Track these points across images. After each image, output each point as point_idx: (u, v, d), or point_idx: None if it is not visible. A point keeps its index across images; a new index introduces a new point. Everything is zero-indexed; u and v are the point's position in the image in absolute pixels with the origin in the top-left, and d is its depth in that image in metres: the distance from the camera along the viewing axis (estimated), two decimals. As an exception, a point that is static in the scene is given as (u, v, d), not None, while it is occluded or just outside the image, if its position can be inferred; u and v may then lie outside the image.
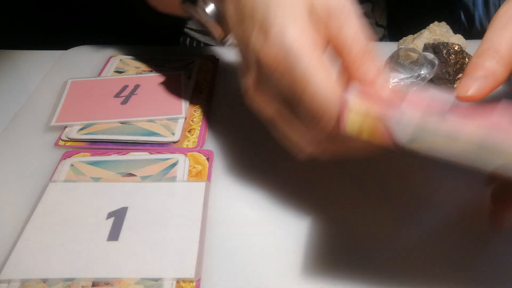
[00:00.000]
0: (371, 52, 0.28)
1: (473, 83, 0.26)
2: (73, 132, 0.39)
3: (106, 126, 0.39)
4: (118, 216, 0.31)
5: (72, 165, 0.36)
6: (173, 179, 0.34)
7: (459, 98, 0.26)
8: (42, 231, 0.30)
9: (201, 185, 0.34)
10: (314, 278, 0.29)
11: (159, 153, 0.37)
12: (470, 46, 0.51)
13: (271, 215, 0.33)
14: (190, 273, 0.28)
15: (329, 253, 0.30)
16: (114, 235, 0.30)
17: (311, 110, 0.26)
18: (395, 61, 0.46)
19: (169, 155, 0.37)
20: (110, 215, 0.31)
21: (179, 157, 0.36)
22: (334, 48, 0.28)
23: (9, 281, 0.27)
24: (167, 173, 0.35)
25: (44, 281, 0.27)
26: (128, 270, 0.28)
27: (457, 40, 0.50)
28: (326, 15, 0.27)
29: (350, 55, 0.27)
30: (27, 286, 0.27)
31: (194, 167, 0.36)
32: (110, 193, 0.33)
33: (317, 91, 0.25)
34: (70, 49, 0.53)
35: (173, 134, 0.39)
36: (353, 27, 0.27)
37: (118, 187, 0.34)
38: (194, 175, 0.35)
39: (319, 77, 0.25)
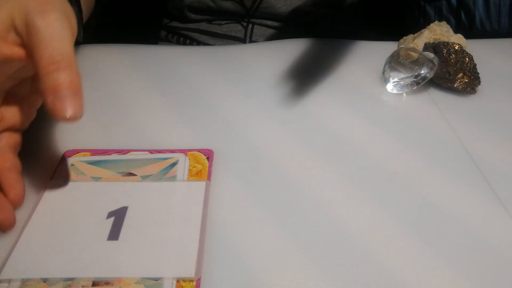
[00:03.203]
0: (66, 68, 0.27)
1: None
2: None
3: None
4: (118, 216, 0.31)
5: (72, 164, 0.36)
6: (173, 178, 0.34)
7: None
8: (42, 231, 0.30)
9: (201, 184, 0.34)
10: (314, 278, 0.29)
11: (159, 152, 0.37)
12: (470, 46, 0.51)
13: (271, 215, 0.33)
14: (190, 273, 0.28)
15: (328, 253, 0.30)
16: (114, 234, 0.30)
17: None
18: (396, 60, 0.46)
19: (169, 155, 0.37)
20: (110, 214, 0.31)
21: (179, 156, 0.36)
22: (33, 64, 0.28)
23: (9, 281, 0.27)
24: (167, 173, 0.35)
25: (44, 280, 0.27)
26: (128, 270, 0.28)
27: (457, 39, 0.50)
28: (25, 30, 0.28)
29: (38, 67, 0.27)
30: (27, 286, 0.27)
31: (194, 166, 0.35)
32: (110, 193, 0.33)
33: None
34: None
35: None
36: (51, 43, 0.27)
37: (118, 187, 0.33)
38: (194, 174, 0.35)
39: None
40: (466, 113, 0.43)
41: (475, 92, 0.46)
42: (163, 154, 0.37)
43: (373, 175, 0.36)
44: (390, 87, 0.46)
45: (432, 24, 0.52)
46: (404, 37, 0.52)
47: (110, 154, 0.37)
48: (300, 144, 0.39)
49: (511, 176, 0.36)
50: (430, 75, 0.44)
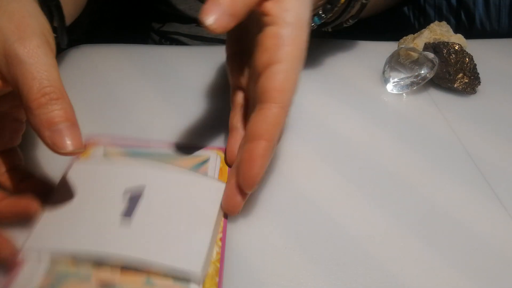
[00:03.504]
0: (59, 97, 0.26)
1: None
2: None
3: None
4: (135, 194, 0.31)
5: (105, 151, 0.35)
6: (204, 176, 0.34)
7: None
8: (65, 205, 0.30)
9: (221, 185, 0.33)
10: (314, 278, 0.29)
11: (191, 148, 0.37)
12: (470, 46, 0.51)
13: (271, 214, 0.33)
14: (196, 267, 0.27)
15: (328, 253, 0.30)
16: (128, 212, 0.30)
17: None
18: (396, 60, 0.46)
19: (201, 152, 0.36)
20: (127, 191, 0.31)
21: (210, 153, 0.36)
22: (19, 97, 0.26)
23: (39, 252, 0.27)
24: (198, 169, 0.34)
25: (73, 258, 0.27)
26: (138, 250, 0.28)
27: (457, 39, 0.50)
28: (4, 60, 0.26)
29: (28, 100, 0.25)
30: (56, 263, 0.27)
31: (225, 165, 0.35)
32: (132, 176, 0.33)
33: None
34: (70, 49, 0.53)
35: None
36: (36, 72, 0.25)
37: (140, 170, 0.33)
38: (225, 173, 0.34)
39: None
40: (466, 113, 0.43)
41: (475, 92, 0.46)
42: (195, 150, 0.36)
43: (373, 175, 0.36)
44: (390, 87, 0.46)
45: (432, 24, 0.52)
46: (404, 37, 0.52)
47: (143, 146, 0.36)
48: (300, 144, 0.39)
49: (511, 176, 0.37)
50: (430, 75, 0.44)
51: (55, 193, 0.31)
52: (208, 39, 0.63)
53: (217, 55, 0.51)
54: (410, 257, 0.30)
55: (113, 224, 0.29)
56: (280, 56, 0.28)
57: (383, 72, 0.47)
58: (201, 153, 0.36)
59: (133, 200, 0.31)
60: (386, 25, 0.73)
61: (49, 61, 0.26)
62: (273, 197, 0.34)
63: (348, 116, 0.43)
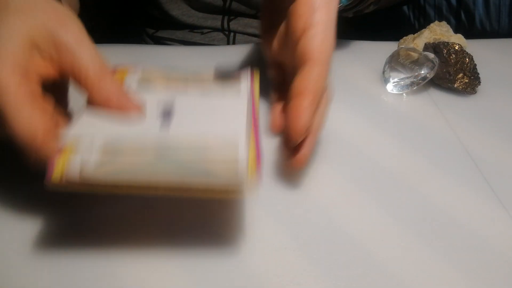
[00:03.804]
0: (109, 72, 0.29)
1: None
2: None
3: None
4: (167, 110, 0.31)
5: (142, 74, 0.35)
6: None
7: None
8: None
9: (244, 90, 0.33)
10: (314, 278, 0.29)
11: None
12: (470, 46, 0.51)
13: (270, 214, 0.33)
14: (238, 132, 0.28)
15: (328, 253, 0.30)
16: (166, 123, 0.30)
17: (18, 147, 0.26)
18: (396, 60, 0.46)
19: (233, 74, 0.37)
20: (159, 104, 0.31)
21: (243, 74, 0.36)
22: (74, 79, 0.29)
23: (92, 137, 0.27)
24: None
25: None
26: (187, 128, 0.29)
27: (457, 39, 0.50)
28: (54, 50, 0.28)
29: (88, 80, 0.28)
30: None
31: (258, 85, 0.36)
32: (159, 98, 0.32)
33: (16, 131, 0.26)
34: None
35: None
36: (87, 54, 0.28)
37: (166, 93, 0.33)
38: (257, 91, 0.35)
39: (20, 115, 0.26)
40: (466, 113, 0.43)
41: (475, 92, 0.46)
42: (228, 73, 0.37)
43: (373, 175, 0.36)
44: (390, 87, 0.46)
45: (432, 24, 0.52)
46: (404, 37, 0.53)
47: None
48: (300, 144, 0.39)
49: (511, 176, 0.37)
50: (430, 75, 0.44)
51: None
52: (201, 45, 0.63)
53: (217, 55, 0.51)
54: (410, 256, 0.30)
55: (155, 128, 0.29)
56: (315, 21, 0.32)
57: (383, 72, 0.47)
58: (234, 75, 0.36)
59: (167, 114, 0.31)
60: (386, 25, 0.73)
61: (91, 43, 0.29)
62: (273, 197, 0.34)
63: (348, 116, 0.43)
